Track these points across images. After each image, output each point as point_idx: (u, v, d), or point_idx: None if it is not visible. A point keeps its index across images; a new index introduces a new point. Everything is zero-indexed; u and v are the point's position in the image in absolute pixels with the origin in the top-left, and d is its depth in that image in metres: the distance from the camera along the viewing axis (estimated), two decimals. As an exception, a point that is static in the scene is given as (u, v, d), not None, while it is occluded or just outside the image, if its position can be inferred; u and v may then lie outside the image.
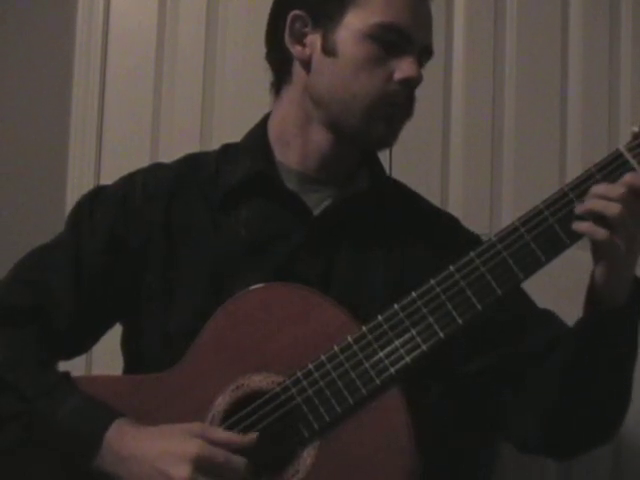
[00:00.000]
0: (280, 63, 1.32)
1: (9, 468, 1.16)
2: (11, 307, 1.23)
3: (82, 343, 1.32)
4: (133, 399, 1.16)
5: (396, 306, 1.14)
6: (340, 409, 1.12)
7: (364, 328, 1.14)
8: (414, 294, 1.14)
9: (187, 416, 1.13)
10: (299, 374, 1.13)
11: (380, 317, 1.14)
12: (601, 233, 1.09)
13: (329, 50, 1.25)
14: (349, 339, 1.13)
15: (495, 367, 1.26)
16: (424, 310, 1.13)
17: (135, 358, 1.31)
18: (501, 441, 1.53)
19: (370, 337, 1.13)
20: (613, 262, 1.11)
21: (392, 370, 1.12)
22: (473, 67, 2.02)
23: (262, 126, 1.35)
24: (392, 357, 1.13)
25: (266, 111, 1.38)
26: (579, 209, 1.12)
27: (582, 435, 1.22)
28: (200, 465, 1.06)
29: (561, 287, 1.80)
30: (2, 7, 2.05)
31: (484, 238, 1.17)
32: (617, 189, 1.09)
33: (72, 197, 1.93)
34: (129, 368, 1.32)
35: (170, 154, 1.41)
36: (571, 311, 1.20)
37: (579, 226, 1.11)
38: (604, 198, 1.09)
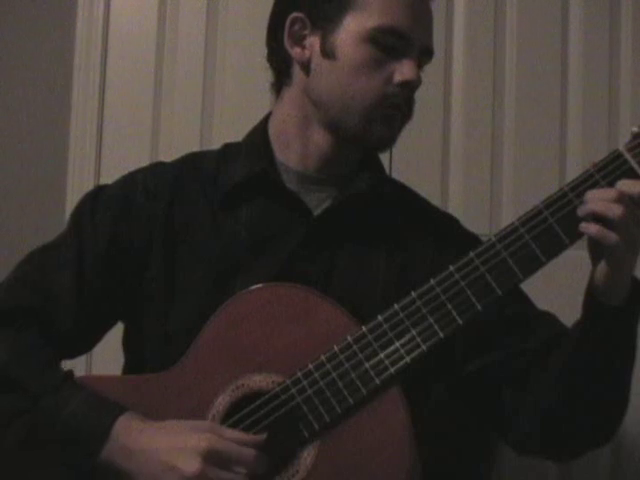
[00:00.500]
0: (280, 64, 1.32)
1: (11, 469, 1.16)
2: (14, 308, 1.23)
3: (85, 343, 1.32)
4: (133, 399, 1.16)
5: (396, 306, 1.14)
6: (340, 409, 1.12)
7: (364, 328, 1.14)
8: (414, 294, 1.14)
9: (187, 416, 1.14)
10: (299, 374, 1.13)
11: (380, 317, 1.14)
12: (611, 237, 1.09)
13: (328, 52, 1.24)
14: (349, 339, 1.13)
15: (494, 367, 1.26)
16: (424, 310, 1.13)
17: (135, 357, 1.31)
18: (501, 441, 1.53)
19: (370, 337, 1.13)
20: (613, 263, 1.11)
21: (392, 370, 1.12)
22: (473, 67, 2.02)
23: (263, 126, 1.35)
24: (392, 357, 1.13)
25: (266, 111, 1.38)
26: (582, 211, 1.11)
27: (580, 436, 1.22)
28: (210, 459, 1.06)
29: (561, 287, 1.80)
30: (2, 7, 2.05)
31: (484, 238, 1.17)
32: (615, 193, 1.09)
33: (72, 197, 1.93)
34: (129, 367, 1.32)
35: (170, 154, 1.41)
36: (571, 311, 1.20)
37: (588, 228, 1.10)
38: (605, 200, 1.09)
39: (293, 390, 1.13)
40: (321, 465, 1.11)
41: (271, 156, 1.31)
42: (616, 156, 1.13)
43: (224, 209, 1.28)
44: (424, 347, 1.13)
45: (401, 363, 1.12)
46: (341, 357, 1.13)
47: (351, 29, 1.23)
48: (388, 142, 1.29)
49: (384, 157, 1.40)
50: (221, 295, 1.19)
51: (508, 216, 1.90)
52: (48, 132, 2.02)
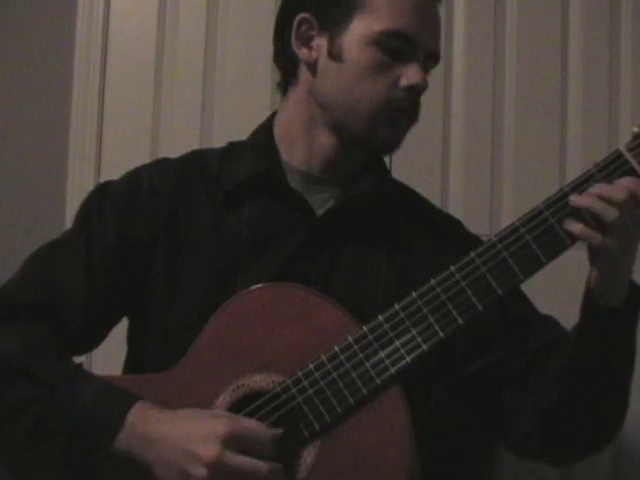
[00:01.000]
0: (286, 64, 1.32)
1: (23, 457, 1.16)
2: (22, 304, 1.23)
3: (92, 339, 1.32)
4: (134, 399, 1.16)
5: (397, 306, 1.14)
6: (340, 409, 1.12)
7: (364, 328, 1.14)
8: (414, 294, 1.14)
9: (188, 416, 1.14)
10: (299, 374, 1.13)
11: (381, 317, 1.14)
12: (595, 237, 1.09)
13: (335, 55, 1.24)
14: (349, 339, 1.13)
15: (495, 367, 1.26)
16: (424, 310, 1.13)
17: (137, 352, 1.31)
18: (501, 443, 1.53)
19: (370, 337, 1.13)
20: (607, 265, 1.11)
21: (392, 370, 1.12)
22: (473, 67, 2.02)
23: (268, 125, 1.35)
24: (392, 357, 1.13)
25: (266, 110, 1.38)
26: (576, 201, 1.11)
27: (579, 438, 1.22)
28: (229, 443, 1.06)
29: (561, 287, 1.80)
30: (2, 7, 2.05)
31: (484, 238, 1.17)
32: (619, 193, 1.09)
33: (72, 197, 1.93)
34: (130, 362, 1.33)
35: (170, 153, 1.41)
36: (571, 311, 1.20)
37: (572, 227, 1.11)
38: (605, 200, 1.09)
39: (293, 390, 1.13)
40: (321, 465, 1.11)
41: (276, 155, 1.31)
42: (617, 156, 1.13)
43: (227, 207, 1.28)
44: (424, 347, 1.13)
45: (402, 363, 1.12)
46: (342, 357, 1.13)
47: (358, 32, 1.23)
48: (393, 145, 1.29)
49: (385, 157, 1.40)
50: (222, 293, 1.19)
51: (508, 216, 1.90)
52: (48, 132, 2.02)
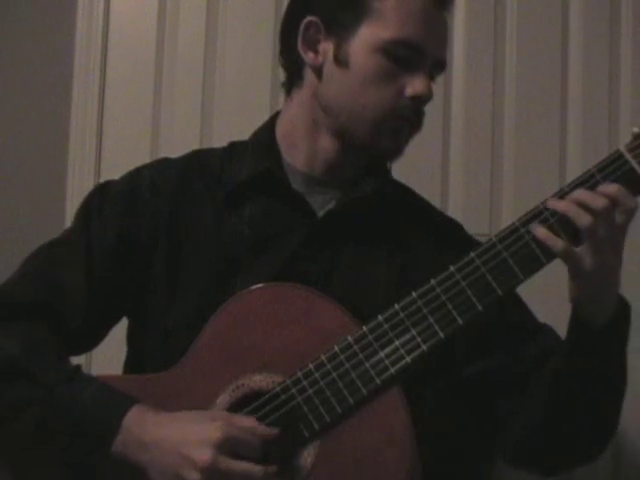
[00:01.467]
0: (292, 66, 1.31)
1: (23, 459, 1.17)
2: (21, 303, 1.23)
3: (91, 338, 1.32)
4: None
5: (397, 306, 1.14)
6: (340, 409, 1.12)
7: (364, 328, 1.14)
8: (414, 294, 1.14)
9: (188, 416, 1.14)
10: (299, 374, 1.13)
11: (380, 317, 1.14)
12: (558, 244, 1.09)
13: (341, 60, 1.24)
14: (349, 339, 1.13)
15: (494, 371, 1.26)
16: (424, 310, 1.13)
17: (137, 352, 1.31)
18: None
19: (370, 337, 1.13)
20: (580, 276, 1.10)
21: (392, 370, 1.12)
22: (473, 68, 2.02)
23: (270, 125, 1.35)
24: (392, 357, 1.13)
25: (266, 110, 1.39)
26: (552, 203, 1.11)
27: (564, 453, 1.22)
28: (223, 449, 1.06)
29: (561, 288, 1.80)
30: (2, 7, 2.05)
31: (484, 238, 1.17)
32: (598, 200, 1.08)
33: (72, 197, 1.93)
34: (131, 362, 1.33)
35: (170, 154, 1.41)
36: (568, 313, 1.20)
37: (537, 230, 1.10)
38: (581, 205, 1.08)
39: (293, 390, 1.13)
40: (321, 465, 1.11)
41: (277, 156, 1.30)
42: (617, 157, 1.13)
43: (228, 207, 1.28)
44: (424, 347, 1.13)
45: (401, 363, 1.12)
46: (341, 357, 1.13)
47: (365, 39, 1.22)
48: (395, 154, 1.29)
49: (386, 160, 1.40)
50: (222, 293, 1.19)
51: (508, 216, 1.90)
52: (48, 132, 2.02)
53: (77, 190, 1.92)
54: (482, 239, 1.22)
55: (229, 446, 1.07)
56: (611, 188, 1.09)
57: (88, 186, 1.84)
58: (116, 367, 1.34)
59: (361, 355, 1.13)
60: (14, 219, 1.99)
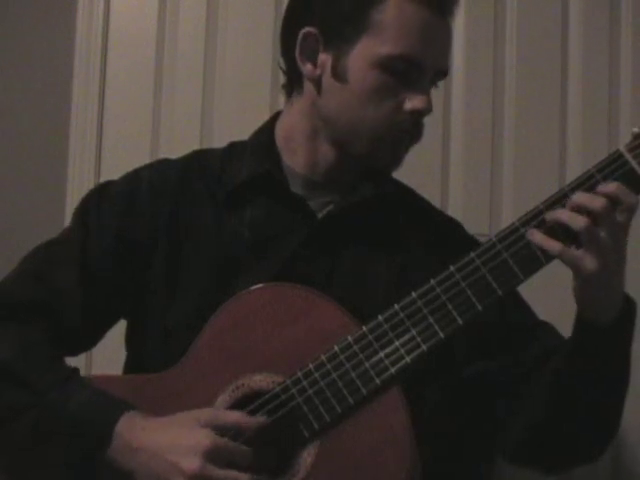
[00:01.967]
0: (291, 74, 1.30)
1: (18, 464, 1.17)
2: (18, 302, 1.23)
3: (88, 339, 1.32)
4: (134, 399, 1.16)
5: (396, 306, 1.14)
6: (340, 409, 1.12)
7: (364, 328, 1.14)
8: (414, 294, 1.14)
9: (187, 416, 1.14)
10: (299, 374, 1.13)
11: (380, 317, 1.14)
12: (554, 247, 1.08)
13: (339, 75, 1.23)
14: (349, 339, 1.13)
15: (495, 372, 1.26)
16: (424, 310, 1.13)
17: (136, 354, 1.31)
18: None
19: (370, 337, 1.13)
20: (584, 278, 1.09)
21: (392, 370, 1.12)
22: (473, 68, 2.02)
23: (269, 127, 1.34)
24: (392, 357, 1.13)
25: (266, 110, 1.38)
26: (549, 216, 1.10)
27: (565, 453, 1.23)
28: (210, 456, 1.06)
29: (561, 288, 1.80)
30: (2, 7, 2.05)
31: (484, 238, 1.17)
32: (595, 201, 1.07)
33: (72, 197, 1.93)
34: (130, 364, 1.32)
35: (170, 154, 1.41)
36: (571, 313, 1.20)
37: (533, 235, 1.10)
38: (578, 208, 1.08)
39: (293, 390, 1.13)
40: (321, 465, 1.11)
41: (277, 158, 1.30)
42: (617, 157, 1.13)
43: (228, 208, 1.28)
44: (424, 347, 1.13)
45: (401, 363, 1.12)
46: (341, 357, 1.13)
47: (365, 53, 1.20)
48: (394, 165, 1.28)
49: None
50: (222, 294, 1.19)
51: (508, 216, 1.90)
52: (48, 132, 2.02)
53: (77, 190, 1.92)
54: (482, 239, 1.22)
55: (218, 454, 1.07)
56: (610, 187, 1.09)
57: (88, 186, 1.84)
58: (116, 367, 1.34)
59: (361, 355, 1.13)
60: (14, 219, 1.99)
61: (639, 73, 2.03)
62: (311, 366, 1.13)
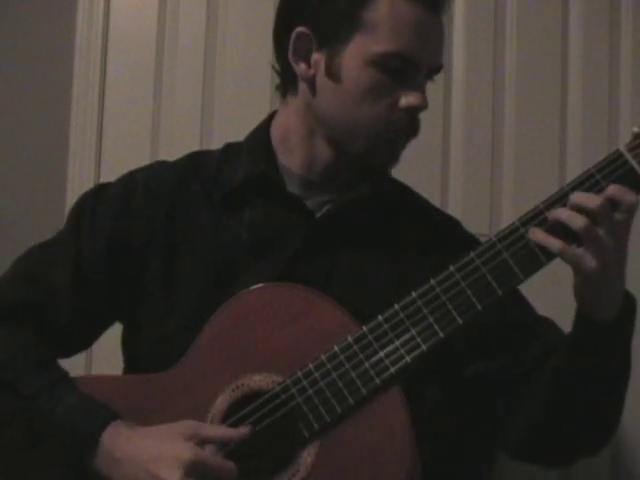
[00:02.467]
0: (285, 75, 1.30)
1: (9, 469, 1.17)
2: (11, 303, 1.23)
3: (81, 340, 1.32)
4: (133, 399, 1.16)
5: (396, 306, 1.14)
6: (340, 409, 1.12)
7: (364, 328, 1.14)
8: (414, 294, 1.13)
9: (187, 416, 1.13)
10: (299, 374, 1.13)
11: (380, 317, 1.14)
12: (555, 245, 1.08)
13: (333, 74, 1.22)
14: (349, 339, 1.13)
15: (495, 372, 1.26)
16: (424, 310, 1.13)
17: (134, 358, 1.31)
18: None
19: (370, 337, 1.13)
20: (585, 276, 1.09)
21: (392, 370, 1.12)
22: (473, 68, 2.02)
23: (265, 127, 1.34)
24: (392, 357, 1.13)
25: (266, 110, 1.38)
26: (550, 215, 1.10)
27: (566, 450, 1.23)
28: (191, 469, 1.06)
29: (561, 287, 1.80)
30: (2, 7, 2.05)
31: (484, 238, 1.17)
32: (593, 200, 1.07)
33: (72, 197, 1.93)
34: (128, 368, 1.32)
35: (170, 154, 1.41)
36: (571, 313, 1.20)
37: (535, 234, 1.10)
38: (577, 207, 1.08)
39: (293, 390, 1.13)
40: (321, 465, 1.11)
41: (272, 158, 1.30)
42: (617, 156, 1.12)
43: (226, 209, 1.28)
44: (424, 347, 1.12)
45: (401, 363, 1.12)
46: (341, 357, 1.13)
47: (357, 52, 1.20)
48: (391, 163, 1.28)
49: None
50: (221, 295, 1.19)
51: (508, 216, 1.90)
52: (48, 132, 2.02)
53: (77, 190, 1.91)
54: (482, 239, 1.22)
55: (198, 467, 1.07)
56: (609, 188, 1.09)
57: (88, 186, 1.84)
58: (116, 367, 1.33)
59: (361, 355, 1.13)
60: (14, 219, 1.99)
61: (639, 73, 2.03)
62: (311, 366, 1.13)
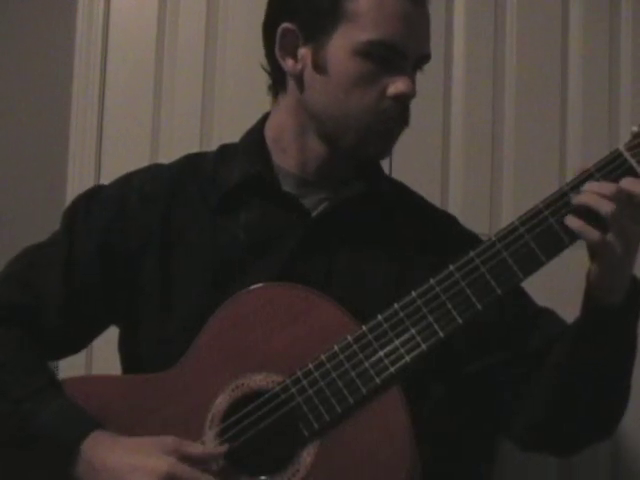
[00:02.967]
0: (275, 73, 1.30)
1: (5, 472, 1.17)
2: (2, 304, 1.23)
3: (73, 342, 1.32)
4: (133, 399, 1.17)
5: (396, 305, 1.14)
6: (340, 408, 1.12)
7: (364, 328, 1.14)
8: (414, 293, 1.14)
9: (187, 416, 1.14)
10: (299, 373, 1.13)
11: (380, 316, 1.14)
12: (593, 233, 1.09)
13: (320, 67, 1.22)
14: (349, 339, 1.13)
15: (496, 369, 1.26)
16: (424, 309, 1.13)
17: (133, 359, 1.30)
18: (501, 440, 1.53)
19: (370, 336, 1.13)
20: (608, 261, 1.10)
21: (392, 369, 1.12)
22: (473, 67, 2.02)
23: (259, 128, 1.34)
24: (392, 356, 1.13)
25: (266, 111, 1.38)
26: (575, 200, 1.11)
27: (579, 433, 1.23)
28: None
29: (561, 287, 1.80)
30: (2, 7, 2.05)
31: (484, 238, 1.17)
32: (611, 187, 1.08)
33: (72, 197, 1.91)
34: (127, 369, 1.32)
35: (170, 154, 1.41)
36: (571, 311, 1.20)
37: (572, 222, 1.10)
38: (600, 194, 1.09)
39: (293, 390, 1.13)
40: (321, 464, 1.11)
41: (267, 158, 1.30)
42: (616, 155, 1.13)
43: (222, 210, 1.28)
44: (424, 346, 1.13)
45: (401, 362, 1.12)
46: (341, 357, 1.13)
47: (342, 43, 1.20)
48: (383, 155, 1.28)
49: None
50: (220, 296, 1.19)
51: (508, 216, 1.90)
52: (48, 132, 2.02)
53: (77, 190, 1.90)
54: (480, 237, 1.22)
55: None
56: (624, 181, 1.10)
57: (88, 186, 1.83)
58: (116, 367, 1.33)
59: (361, 355, 1.13)
60: (14, 219, 1.99)
61: (639, 73, 2.03)
62: (311, 366, 1.13)
